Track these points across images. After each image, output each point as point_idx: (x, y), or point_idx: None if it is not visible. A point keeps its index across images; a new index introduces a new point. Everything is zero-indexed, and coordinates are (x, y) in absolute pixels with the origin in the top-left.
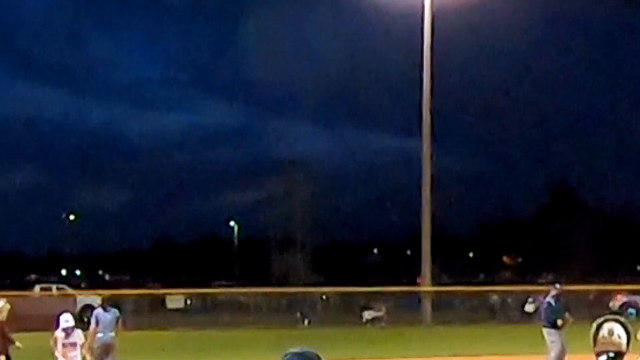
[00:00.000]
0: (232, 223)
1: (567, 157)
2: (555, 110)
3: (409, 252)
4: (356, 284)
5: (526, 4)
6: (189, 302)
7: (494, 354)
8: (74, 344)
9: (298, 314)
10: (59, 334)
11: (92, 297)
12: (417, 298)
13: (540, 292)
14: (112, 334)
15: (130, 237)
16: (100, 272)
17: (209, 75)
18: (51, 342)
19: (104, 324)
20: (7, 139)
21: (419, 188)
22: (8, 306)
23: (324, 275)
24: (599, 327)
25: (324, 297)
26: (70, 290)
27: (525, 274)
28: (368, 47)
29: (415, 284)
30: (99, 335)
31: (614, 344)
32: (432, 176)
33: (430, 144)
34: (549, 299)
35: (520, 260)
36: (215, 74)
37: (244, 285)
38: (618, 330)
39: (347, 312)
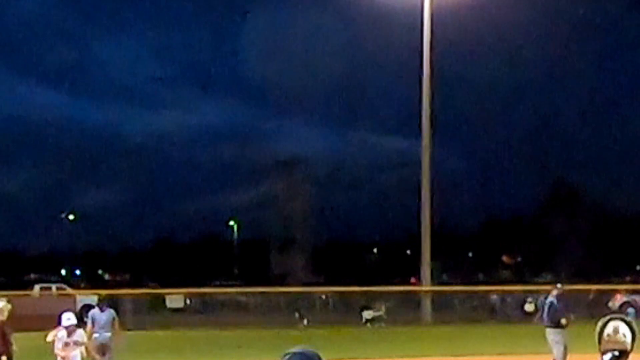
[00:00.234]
0: (231, 223)
1: (567, 156)
2: (556, 110)
3: (408, 252)
4: (356, 283)
5: (526, 3)
6: (188, 301)
7: (494, 354)
8: (75, 343)
9: (297, 314)
10: (61, 332)
11: (91, 297)
12: (416, 298)
13: (539, 291)
14: (108, 334)
15: (129, 237)
16: (100, 271)
17: (208, 75)
18: (49, 338)
19: (99, 324)
20: (7, 139)
21: (419, 188)
22: (9, 306)
23: (323, 275)
24: (604, 325)
25: (323, 297)
26: (70, 290)
27: (524, 274)
28: (368, 47)
29: (409, 284)
30: (95, 335)
31: (618, 342)
32: (431, 176)
33: (429, 143)
34: (551, 298)
35: (519, 259)
36: (214, 74)
37: (243, 285)
38: (623, 329)
39: (347, 312)
